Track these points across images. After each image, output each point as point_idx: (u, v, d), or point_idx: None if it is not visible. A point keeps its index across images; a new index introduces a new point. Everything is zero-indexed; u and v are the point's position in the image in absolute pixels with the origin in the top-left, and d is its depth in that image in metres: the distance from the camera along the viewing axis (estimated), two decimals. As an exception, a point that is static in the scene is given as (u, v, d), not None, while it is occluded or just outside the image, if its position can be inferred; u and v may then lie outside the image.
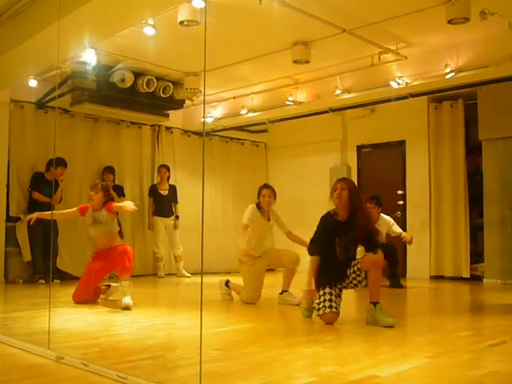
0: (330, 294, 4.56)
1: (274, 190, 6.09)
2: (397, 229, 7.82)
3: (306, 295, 4.88)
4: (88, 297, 5.70)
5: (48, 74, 7.56)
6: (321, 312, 4.53)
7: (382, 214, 7.79)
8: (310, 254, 4.81)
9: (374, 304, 4.47)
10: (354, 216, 4.66)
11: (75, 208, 6.10)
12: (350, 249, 4.68)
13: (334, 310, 4.50)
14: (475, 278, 8.52)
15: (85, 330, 4.28)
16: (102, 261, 5.77)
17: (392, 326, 4.31)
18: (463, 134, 8.84)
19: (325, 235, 4.74)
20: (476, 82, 7.75)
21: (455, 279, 8.64)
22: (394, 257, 7.60)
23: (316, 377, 2.86)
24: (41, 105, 8.44)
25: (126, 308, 5.27)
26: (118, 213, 6.01)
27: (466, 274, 8.60)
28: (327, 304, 4.52)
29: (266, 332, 4.37)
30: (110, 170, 9.00)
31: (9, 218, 8.01)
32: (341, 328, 4.47)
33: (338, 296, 4.65)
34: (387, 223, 7.78)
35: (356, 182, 9.97)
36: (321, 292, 4.60)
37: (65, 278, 7.98)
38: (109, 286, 5.98)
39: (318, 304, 4.57)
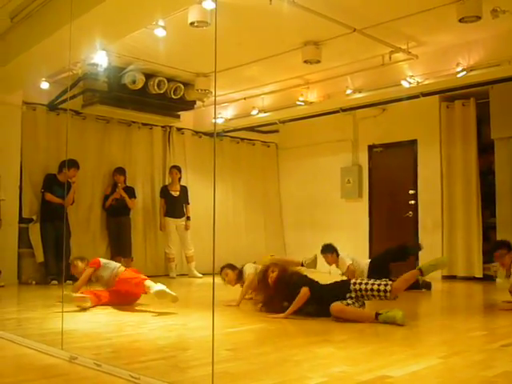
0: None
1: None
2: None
3: None
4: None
5: (60, 75, 7.61)
6: None
7: None
8: None
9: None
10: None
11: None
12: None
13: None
14: (488, 278, 8.46)
15: (97, 331, 4.31)
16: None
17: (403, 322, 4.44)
18: (475, 132, 8.79)
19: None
20: (488, 81, 7.70)
21: (468, 279, 8.59)
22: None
23: (328, 377, 2.86)
24: (53, 107, 8.49)
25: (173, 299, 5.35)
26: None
27: (479, 273, 8.55)
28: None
29: (277, 332, 4.37)
30: (121, 171, 9.03)
31: (22, 220, 8.07)
32: (353, 328, 4.46)
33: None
34: None
35: (367, 182, 10.02)
36: None
37: (77, 279, 8.00)
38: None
39: None
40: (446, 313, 5.91)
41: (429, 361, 3.22)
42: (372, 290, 4.75)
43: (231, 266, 6.20)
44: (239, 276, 6.13)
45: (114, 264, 5.96)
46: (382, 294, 4.72)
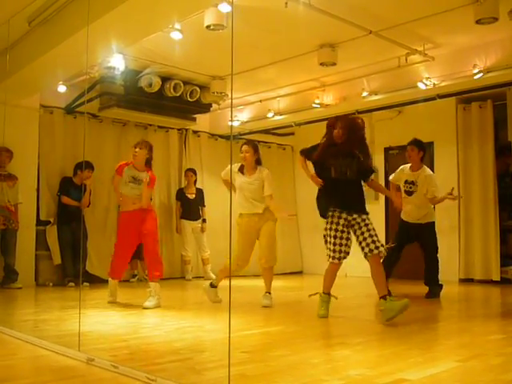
0: (335, 237, 4.86)
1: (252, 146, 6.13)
2: (434, 192, 6.66)
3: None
4: (124, 269, 6.04)
5: (77, 79, 7.66)
6: (327, 259, 4.93)
7: (425, 166, 6.88)
8: (300, 153, 5.46)
9: (384, 297, 4.61)
10: (349, 140, 4.93)
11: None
12: (344, 169, 4.93)
13: (335, 261, 4.86)
14: (505, 281, 8.38)
15: (114, 333, 4.33)
16: (132, 229, 5.86)
17: (407, 306, 4.49)
18: (492, 135, 8.72)
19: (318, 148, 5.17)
20: (505, 82, 7.62)
21: (485, 282, 8.52)
22: (434, 258, 6.75)
23: (344, 380, 2.85)
24: (70, 110, 8.56)
25: (146, 308, 5.51)
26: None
27: (496, 276, 8.46)
28: (331, 253, 4.88)
29: (294, 335, 4.36)
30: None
31: (39, 222, 8.13)
32: (369, 331, 4.45)
33: (347, 239, 4.89)
34: (427, 178, 6.74)
35: (383, 184, 9.95)
36: (328, 229, 4.92)
37: (94, 281, 8.07)
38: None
39: (328, 249, 4.91)
40: (464, 316, 5.86)
41: (447, 364, 3.19)
42: (379, 240, 4.76)
43: (255, 146, 6.14)
44: (257, 162, 6.09)
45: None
46: (378, 244, 4.73)
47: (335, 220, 4.89)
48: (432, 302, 6.39)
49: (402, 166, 6.95)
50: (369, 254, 4.74)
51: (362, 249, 4.80)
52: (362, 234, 4.80)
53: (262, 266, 5.99)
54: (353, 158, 4.95)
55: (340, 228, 4.87)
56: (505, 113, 8.40)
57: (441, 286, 6.70)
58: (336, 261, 4.91)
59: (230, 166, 6.14)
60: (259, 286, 6.02)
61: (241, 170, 6.09)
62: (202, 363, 3.34)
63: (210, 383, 2.85)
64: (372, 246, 4.73)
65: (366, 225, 4.80)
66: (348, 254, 4.93)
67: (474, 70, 7.38)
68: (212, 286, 6.11)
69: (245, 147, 6.07)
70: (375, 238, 4.75)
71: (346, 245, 4.90)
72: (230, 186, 5.29)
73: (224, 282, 6.14)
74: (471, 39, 7.24)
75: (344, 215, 4.87)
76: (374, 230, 4.80)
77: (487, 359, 3.37)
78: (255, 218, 5.95)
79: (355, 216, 4.87)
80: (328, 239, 4.92)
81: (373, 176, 5.27)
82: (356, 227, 4.86)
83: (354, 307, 6.11)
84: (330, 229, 4.91)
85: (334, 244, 4.88)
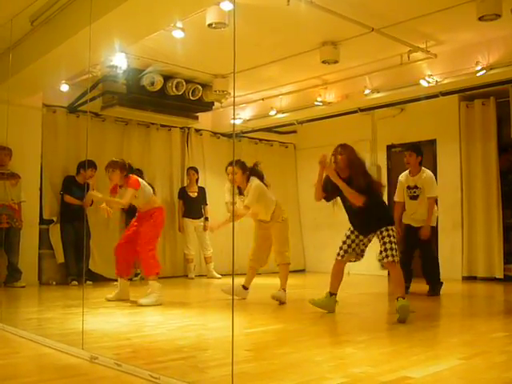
0: (348, 236, 5.15)
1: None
2: (429, 192, 6.72)
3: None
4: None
5: (79, 78, 7.66)
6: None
7: (423, 168, 6.86)
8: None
9: (397, 299, 4.71)
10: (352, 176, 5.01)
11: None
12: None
13: (338, 257, 5.12)
14: (509, 279, 8.36)
15: (117, 331, 4.33)
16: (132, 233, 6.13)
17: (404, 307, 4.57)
18: (495, 132, 8.69)
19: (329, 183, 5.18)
20: (508, 79, 7.60)
21: (488, 280, 8.51)
22: (433, 259, 6.92)
23: (348, 378, 2.85)
24: (72, 109, 8.57)
25: (140, 304, 5.61)
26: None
27: (500, 274, 8.45)
28: (338, 249, 5.15)
29: (297, 333, 4.36)
30: (139, 172, 9.05)
31: (42, 221, 8.14)
32: (373, 329, 4.45)
33: (357, 244, 5.14)
34: (426, 179, 6.76)
35: (386, 182, 9.94)
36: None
37: (97, 279, 8.09)
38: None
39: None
40: (467, 314, 5.86)
41: (450, 362, 3.19)
42: (392, 248, 4.82)
43: (242, 166, 6.13)
44: (247, 180, 6.09)
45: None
46: (389, 253, 4.80)
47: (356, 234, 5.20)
48: (435, 300, 6.38)
49: (399, 178, 6.98)
50: (381, 262, 4.91)
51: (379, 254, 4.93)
52: (382, 243, 4.92)
53: (276, 264, 6.16)
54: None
55: (356, 232, 5.16)
56: (508, 110, 8.38)
57: (441, 283, 6.71)
58: (339, 257, 5.13)
59: (227, 185, 6.20)
60: (262, 284, 6.03)
61: (238, 190, 6.19)
62: (205, 361, 3.34)
63: (214, 381, 2.86)
64: (383, 254, 4.85)
65: (383, 237, 4.89)
66: (353, 256, 5.17)
67: (477, 67, 7.36)
68: (244, 287, 6.21)
69: (229, 169, 6.18)
70: (388, 247, 4.83)
71: (354, 249, 5.13)
72: (233, 186, 5.29)
73: (226, 280, 6.16)
74: (474, 36, 7.23)
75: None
76: (390, 242, 4.86)
77: (490, 357, 3.37)
78: (264, 224, 6.16)
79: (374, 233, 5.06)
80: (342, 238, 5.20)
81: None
82: (378, 237, 4.99)
83: (357, 305, 6.11)
84: (348, 229, 5.21)
85: (344, 242, 5.15)
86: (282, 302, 5.86)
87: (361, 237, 5.13)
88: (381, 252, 4.86)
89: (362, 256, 5.20)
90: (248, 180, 6.10)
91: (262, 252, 6.19)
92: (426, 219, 6.69)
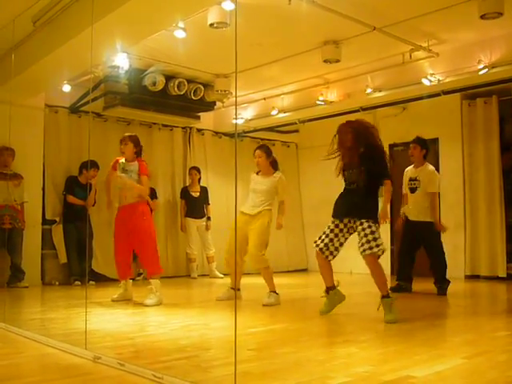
0: (331, 229, 4.98)
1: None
2: (433, 188, 6.81)
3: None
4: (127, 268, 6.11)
5: (81, 78, 7.68)
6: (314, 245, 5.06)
7: (427, 163, 6.97)
8: None
9: (382, 297, 4.65)
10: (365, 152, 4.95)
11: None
12: (354, 177, 4.87)
13: (316, 248, 5.01)
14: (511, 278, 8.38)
15: (120, 331, 4.34)
16: (122, 225, 6.05)
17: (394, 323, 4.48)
18: (497, 130, 8.68)
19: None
20: (510, 78, 7.57)
21: (491, 279, 8.50)
22: (440, 259, 6.74)
23: (351, 377, 2.85)
24: (74, 109, 8.58)
25: (147, 305, 5.58)
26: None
27: (502, 273, 8.45)
28: (319, 241, 5.01)
29: (299, 332, 4.37)
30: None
31: (45, 221, 8.15)
32: (375, 328, 4.44)
33: (338, 236, 4.95)
34: (428, 174, 6.85)
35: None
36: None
37: (100, 279, 8.10)
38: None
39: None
40: (469, 313, 5.85)
41: (452, 361, 3.19)
42: (370, 240, 4.65)
43: (267, 150, 6.07)
44: (273, 165, 6.05)
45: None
46: (366, 246, 4.64)
47: (336, 222, 5.02)
48: (438, 299, 6.38)
49: (405, 170, 6.99)
50: (362, 254, 4.70)
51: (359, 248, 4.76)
52: (363, 235, 4.73)
53: (255, 269, 6.05)
54: (361, 167, 4.87)
55: (339, 227, 4.98)
56: (510, 108, 8.38)
57: (448, 282, 6.69)
58: (316, 248, 5.02)
59: (253, 175, 6.14)
60: (262, 284, 6.02)
61: (257, 172, 6.11)
62: (207, 361, 3.34)
63: (216, 381, 2.86)
64: (366, 247, 4.65)
65: (364, 229, 4.71)
66: (330, 251, 4.97)
67: (479, 66, 7.36)
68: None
69: (257, 152, 6.07)
70: (370, 238, 4.66)
71: (332, 240, 4.95)
72: (235, 185, 5.26)
73: (229, 279, 6.17)
74: (476, 35, 7.22)
75: (344, 222, 4.95)
76: (371, 233, 4.68)
77: (493, 356, 3.37)
78: (246, 217, 5.91)
79: (355, 222, 4.86)
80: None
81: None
82: (358, 230, 4.82)
83: (359, 304, 6.10)
84: (332, 222, 5.06)
85: (324, 233, 5.02)
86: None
87: (340, 233, 4.94)
88: (362, 244, 4.67)
89: (335, 255, 5.01)
90: (272, 166, 6.04)
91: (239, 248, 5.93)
92: (422, 214, 6.71)
